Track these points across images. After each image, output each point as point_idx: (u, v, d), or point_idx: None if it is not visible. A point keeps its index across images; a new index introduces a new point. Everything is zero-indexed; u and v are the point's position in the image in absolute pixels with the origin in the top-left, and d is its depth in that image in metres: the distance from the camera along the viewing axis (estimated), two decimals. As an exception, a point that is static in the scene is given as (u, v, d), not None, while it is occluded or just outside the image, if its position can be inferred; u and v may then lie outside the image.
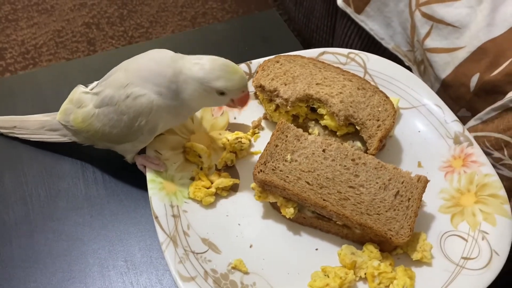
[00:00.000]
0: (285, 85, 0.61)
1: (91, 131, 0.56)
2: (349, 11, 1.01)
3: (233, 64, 0.50)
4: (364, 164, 0.54)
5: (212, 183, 0.58)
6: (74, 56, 1.41)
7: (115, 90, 0.53)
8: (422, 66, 0.90)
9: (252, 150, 0.62)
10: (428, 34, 0.87)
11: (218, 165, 0.60)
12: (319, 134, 0.61)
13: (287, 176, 0.53)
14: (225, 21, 0.77)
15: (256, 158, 0.62)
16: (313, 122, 0.62)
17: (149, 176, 0.57)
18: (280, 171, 0.54)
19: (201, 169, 0.60)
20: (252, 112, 0.65)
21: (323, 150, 0.55)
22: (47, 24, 1.47)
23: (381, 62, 0.67)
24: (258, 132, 0.64)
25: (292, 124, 0.57)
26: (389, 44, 0.97)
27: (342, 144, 0.56)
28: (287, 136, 0.56)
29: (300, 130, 0.57)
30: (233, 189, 0.59)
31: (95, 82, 0.59)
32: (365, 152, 0.58)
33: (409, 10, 0.91)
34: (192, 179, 0.59)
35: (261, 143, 0.63)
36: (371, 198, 0.53)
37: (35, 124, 0.61)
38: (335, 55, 0.68)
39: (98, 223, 0.58)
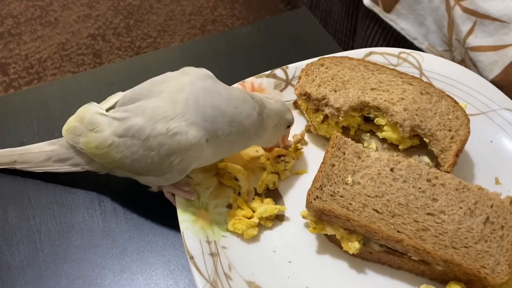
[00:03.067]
0: (335, 91, 0.50)
1: (108, 159, 0.45)
2: (377, 10, 0.90)
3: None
4: (442, 185, 0.43)
5: (253, 211, 0.47)
6: (80, 69, 1.31)
7: (150, 121, 0.42)
8: (463, 67, 0.79)
9: (296, 169, 0.51)
10: (471, 31, 0.76)
11: (258, 189, 0.49)
12: (376, 149, 0.49)
13: (350, 203, 0.42)
14: (250, 24, 0.66)
15: (301, 178, 0.50)
16: (368, 134, 0.51)
17: (179, 205, 0.46)
18: (341, 196, 0.43)
19: (239, 194, 0.49)
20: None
21: (391, 169, 0.44)
22: (51, 37, 1.37)
23: (439, 62, 0.57)
24: (301, 148, 0.53)
25: (349, 139, 0.46)
26: (422, 44, 0.87)
27: (412, 160, 0.45)
28: (344, 153, 0.45)
29: (360, 145, 0.45)
30: (278, 217, 0.48)
31: (112, 100, 0.47)
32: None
33: (445, 6, 0.81)
34: (229, 206, 0.48)
35: (305, 160, 0.52)
36: (455, 227, 0.41)
37: (39, 156, 0.50)
38: (384, 55, 0.57)
39: (119, 263, 0.47)
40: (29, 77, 1.28)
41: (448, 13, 0.80)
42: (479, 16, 0.74)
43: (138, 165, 0.44)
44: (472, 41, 0.76)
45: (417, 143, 0.49)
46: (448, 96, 0.50)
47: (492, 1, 0.73)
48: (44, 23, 1.40)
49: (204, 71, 0.46)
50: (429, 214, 0.42)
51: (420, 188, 0.43)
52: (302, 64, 0.55)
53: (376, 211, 0.42)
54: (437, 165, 0.48)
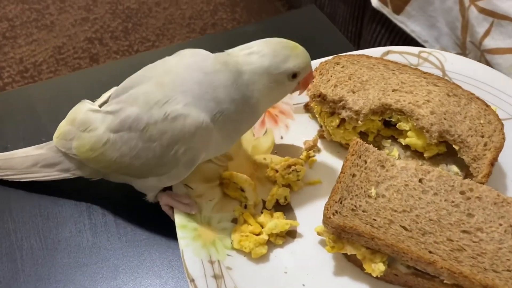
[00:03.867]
0: (353, 92, 0.44)
1: (103, 162, 0.39)
2: (386, 11, 0.85)
3: (288, 40, 0.39)
4: (478, 198, 0.37)
5: (262, 227, 0.41)
6: (76, 73, 1.25)
7: (144, 108, 0.37)
8: (479, 70, 0.73)
9: (308, 179, 0.45)
10: (487, 32, 0.72)
11: (268, 204, 0.43)
12: (399, 157, 0.44)
13: (374, 219, 0.36)
14: (257, 22, 0.60)
15: (314, 189, 0.45)
16: (389, 140, 0.45)
17: (179, 220, 0.40)
18: (363, 211, 0.37)
19: (245, 207, 0.43)
20: (304, 128, 0.48)
21: (420, 180, 0.38)
22: (47, 40, 1.32)
23: (463, 62, 0.51)
24: (314, 155, 0.47)
25: (371, 145, 0.40)
26: (433, 47, 0.82)
27: (443, 170, 0.39)
28: (366, 162, 0.39)
29: (384, 153, 0.40)
30: (290, 234, 0.42)
31: (105, 95, 0.42)
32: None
33: (459, 7, 0.76)
34: (235, 221, 0.42)
35: (319, 169, 0.46)
36: (495, 248, 0.35)
37: (24, 161, 0.44)
38: (402, 54, 0.52)
39: (110, 285, 0.41)
40: (23, 81, 1.22)
41: (462, 14, 0.75)
42: (496, 16, 0.69)
43: (138, 162, 0.38)
44: (489, 43, 0.71)
45: (444, 150, 0.43)
46: (478, 98, 0.44)
47: (510, 0, 0.68)
48: (40, 26, 1.35)
49: (199, 50, 0.40)
50: (464, 231, 0.36)
51: (453, 201, 0.37)
52: (315, 63, 0.49)
53: (404, 228, 0.36)
54: (467, 175, 0.42)
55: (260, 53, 0.37)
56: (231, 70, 0.37)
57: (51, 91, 0.57)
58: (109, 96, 0.41)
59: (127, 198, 0.44)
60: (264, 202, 0.44)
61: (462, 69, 0.50)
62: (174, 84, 0.37)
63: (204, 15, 1.39)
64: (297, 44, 0.39)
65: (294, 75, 0.38)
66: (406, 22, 0.83)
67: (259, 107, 0.39)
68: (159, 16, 1.38)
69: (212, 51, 0.61)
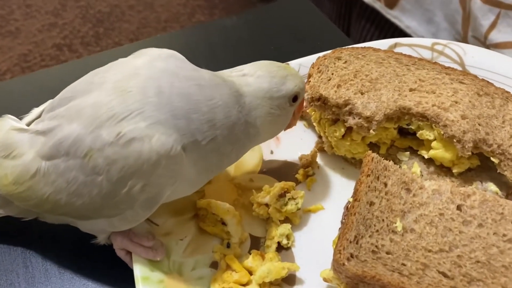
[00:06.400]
0: (362, 94, 0.34)
1: (32, 199, 0.29)
2: (378, 6, 0.77)
3: (276, 62, 0.33)
4: (537, 229, 0.28)
5: (250, 273, 0.31)
6: (43, 83, 1.14)
7: (90, 126, 0.27)
8: (483, 67, 0.65)
9: (307, 204, 0.35)
10: (493, 25, 0.64)
11: (267, 250, 0.32)
12: (421, 175, 0.34)
13: (403, 264, 0.26)
14: (238, 14, 0.50)
15: (315, 218, 0.34)
16: (407, 153, 0.35)
17: (139, 269, 0.29)
18: (388, 253, 0.27)
19: (228, 245, 0.32)
20: (298, 140, 0.38)
21: (458, 208, 0.28)
22: (12, 47, 1.21)
23: (486, 55, 0.42)
24: (313, 174, 0.37)
25: (391, 161, 0.30)
26: (431, 44, 0.73)
27: (487, 193, 0.29)
28: (386, 185, 0.29)
29: (408, 171, 0.30)
30: (288, 280, 0.31)
31: (37, 110, 0.32)
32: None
33: (459, -1, 0.67)
34: (214, 265, 0.31)
35: (319, 192, 0.36)
36: None
37: None
38: (413, 47, 0.42)
39: None
40: (-16, 92, 1.11)
41: (463, 6, 0.67)
42: (503, 6, 0.61)
43: (79, 201, 0.28)
44: (496, 36, 0.63)
45: (477, 164, 0.33)
46: (515, 97, 0.35)
47: (519, -12, 0.60)
48: (4, 33, 1.25)
49: (167, 50, 0.31)
50: (524, 277, 0.26)
51: (504, 235, 0.27)
52: (308, 60, 0.39)
53: (444, 274, 0.26)
54: (509, 196, 0.32)
55: (254, 75, 0.31)
56: (231, 88, 0.29)
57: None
58: (42, 111, 0.30)
59: (74, 239, 0.32)
60: (252, 237, 0.33)
61: (486, 63, 0.40)
62: (144, 91, 0.27)
63: (181, 18, 1.29)
64: (286, 65, 0.33)
65: (294, 98, 0.32)
66: (401, 17, 0.75)
67: (258, 139, 0.31)
68: (132, 20, 1.28)
69: (188, 47, 0.50)
